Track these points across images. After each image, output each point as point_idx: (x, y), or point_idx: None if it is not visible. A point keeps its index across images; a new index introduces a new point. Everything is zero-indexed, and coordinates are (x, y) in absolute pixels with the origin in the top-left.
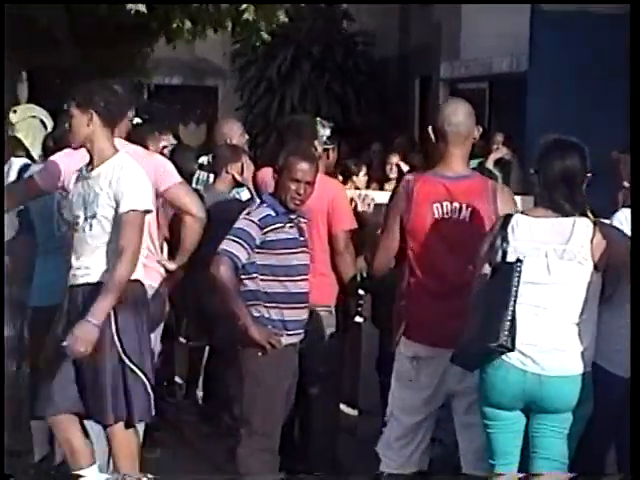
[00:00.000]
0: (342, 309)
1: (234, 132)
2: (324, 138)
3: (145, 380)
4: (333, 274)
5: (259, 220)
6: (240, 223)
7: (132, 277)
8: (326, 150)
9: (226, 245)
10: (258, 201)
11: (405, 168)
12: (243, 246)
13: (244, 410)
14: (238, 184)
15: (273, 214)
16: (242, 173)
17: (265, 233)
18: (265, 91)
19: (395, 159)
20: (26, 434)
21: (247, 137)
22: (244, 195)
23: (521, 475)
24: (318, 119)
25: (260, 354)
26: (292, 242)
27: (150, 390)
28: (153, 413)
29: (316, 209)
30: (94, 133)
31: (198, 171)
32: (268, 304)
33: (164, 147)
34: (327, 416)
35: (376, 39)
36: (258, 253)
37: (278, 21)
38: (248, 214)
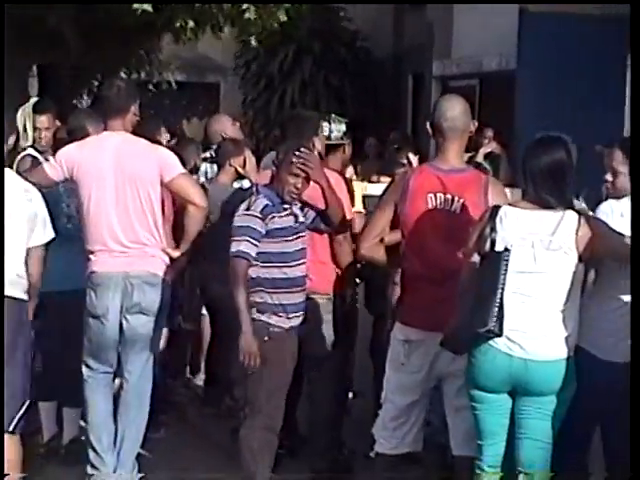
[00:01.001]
0: (340, 296)
1: (225, 125)
2: (340, 133)
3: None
4: (332, 262)
5: (260, 212)
6: (244, 220)
7: None
8: (341, 145)
9: (237, 245)
10: (257, 194)
11: (414, 160)
12: (252, 243)
13: (248, 390)
14: (240, 176)
15: (270, 204)
16: (244, 166)
17: (267, 223)
18: (266, 87)
19: (407, 151)
20: (35, 415)
21: (237, 123)
22: (245, 183)
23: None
24: (333, 115)
25: (266, 338)
26: (288, 230)
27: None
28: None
29: (316, 199)
30: None
31: (203, 164)
32: (270, 290)
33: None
34: (327, 400)
35: (371, 38)
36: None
37: (278, 20)
38: (248, 209)
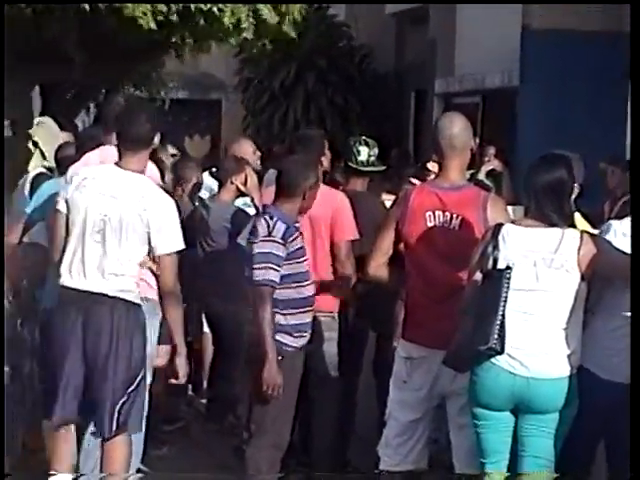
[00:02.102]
0: (343, 315)
1: (245, 150)
2: (374, 158)
3: None
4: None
5: (281, 238)
6: (266, 246)
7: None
8: (371, 173)
9: (264, 273)
10: (271, 217)
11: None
12: (276, 269)
13: (256, 409)
14: (242, 194)
15: (287, 227)
16: (245, 184)
17: (287, 247)
18: (268, 103)
19: (430, 164)
20: (40, 432)
21: (259, 153)
22: (251, 211)
23: (509, 475)
24: (362, 137)
25: (279, 357)
26: (302, 250)
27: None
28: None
29: (320, 219)
30: None
31: (210, 178)
32: (284, 311)
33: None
34: (330, 419)
35: (374, 55)
36: None
37: (282, 35)
38: (269, 235)
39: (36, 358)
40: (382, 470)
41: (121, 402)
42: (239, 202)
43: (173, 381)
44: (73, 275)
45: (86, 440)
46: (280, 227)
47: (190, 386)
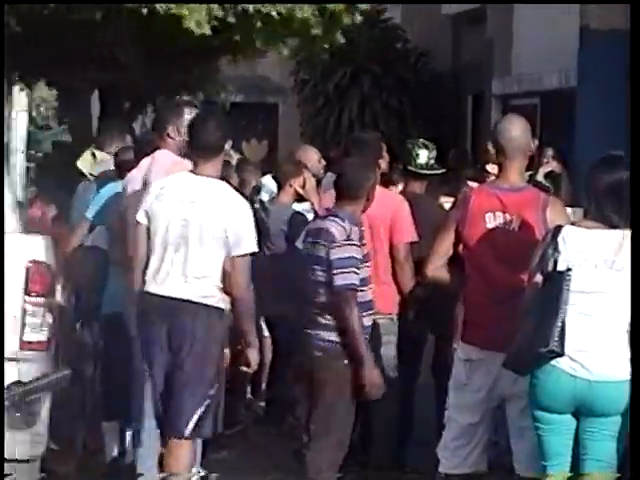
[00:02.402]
0: (403, 318)
1: (310, 157)
2: (433, 160)
3: None
4: (394, 284)
5: (359, 240)
6: (347, 250)
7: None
8: (430, 176)
9: (349, 278)
10: (343, 220)
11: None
12: (357, 273)
13: (322, 416)
14: (301, 197)
15: (360, 230)
16: (304, 187)
17: (362, 250)
18: (323, 106)
19: (489, 166)
20: (100, 434)
21: (323, 162)
22: (310, 216)
23: (571, 476)
24: (421, 140)
25: (346, 361)
26: (368, 255)
27: None
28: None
29: (380, 221)
30: None
31: (272, 181)
32: None
33: None
34: (388, 420)
35: (430, 56)
36: None
37: (336, 41)
38: (348, 238)
39: (100, 361)
40: (441, 472)
41: (204, 405)
42: (300, 207)
43: (244, 368)
44: (158, 282)
45: (145, 440)
46: (355, 230)
47: (249, 389)
